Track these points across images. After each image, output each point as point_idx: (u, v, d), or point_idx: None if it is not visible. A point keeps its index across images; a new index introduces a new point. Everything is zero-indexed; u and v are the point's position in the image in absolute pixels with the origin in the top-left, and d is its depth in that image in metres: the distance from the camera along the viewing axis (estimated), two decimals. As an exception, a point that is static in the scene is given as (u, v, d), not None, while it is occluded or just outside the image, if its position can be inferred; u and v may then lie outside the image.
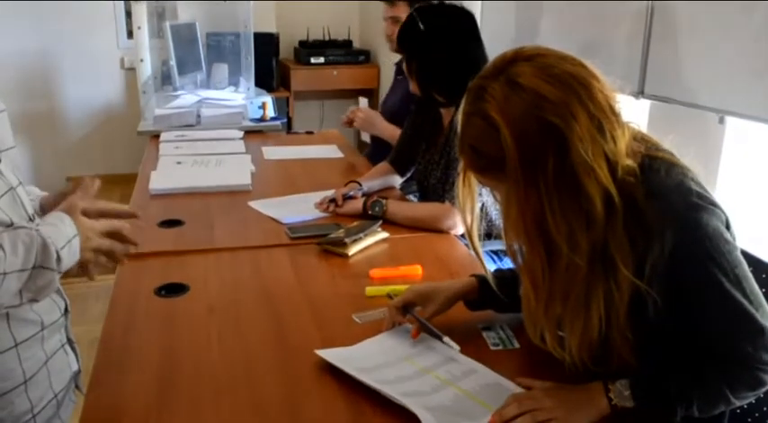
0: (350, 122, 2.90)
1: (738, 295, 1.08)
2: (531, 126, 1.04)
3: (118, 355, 1.35)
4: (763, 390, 1.12)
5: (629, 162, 1.08)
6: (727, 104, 2.05)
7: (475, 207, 1.25)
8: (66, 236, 1.14)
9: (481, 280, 1.44)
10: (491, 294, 1.39)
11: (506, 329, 1.44)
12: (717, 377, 1.11)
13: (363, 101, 2.96)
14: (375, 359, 1.30)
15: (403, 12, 2.80)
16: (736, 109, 2.03)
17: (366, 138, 3.14)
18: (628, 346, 1.13)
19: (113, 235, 1.27)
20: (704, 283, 1.09)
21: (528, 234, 1.09)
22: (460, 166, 1.21)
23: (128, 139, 4.69)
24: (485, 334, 1.43)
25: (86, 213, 1.23)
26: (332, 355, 1.30)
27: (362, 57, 5.32)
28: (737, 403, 1.12)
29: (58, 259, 1.11)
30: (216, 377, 1.27)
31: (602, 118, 1.05)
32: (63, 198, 1.38)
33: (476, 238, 1.28)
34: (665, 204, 1.08)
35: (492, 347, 1.38)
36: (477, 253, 1.29)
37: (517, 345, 1.39)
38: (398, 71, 3.04)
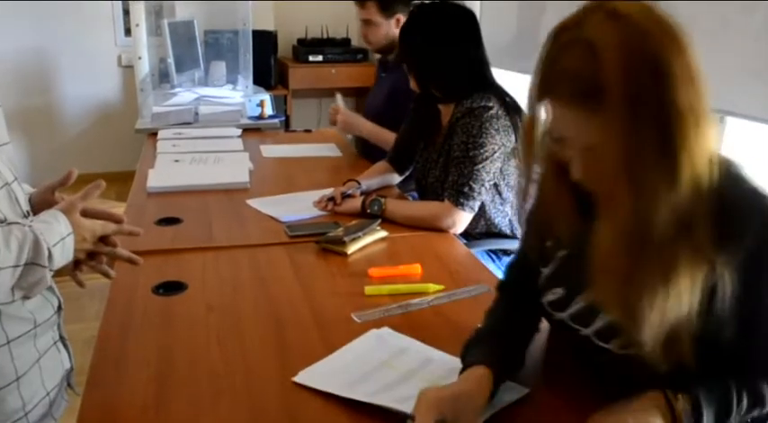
0: (334, 122, 2.89)
1: None
2: (637, 60, 0.95)
3: (115, 354, 1.34)
4: None
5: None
6: (727, 104, 2.04)
7: (533, 165, 1.14)
8: (59, 234, 1.13)
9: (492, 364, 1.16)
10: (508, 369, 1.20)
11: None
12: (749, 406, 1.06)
13: (339, 97, 2.93)
14: (354, 372, 1.27)
15: (373, 14, 2.82)
16: (736, 109, 2.03)
17: (348, 137, 3.12)
18: (688, 341, 1.04)
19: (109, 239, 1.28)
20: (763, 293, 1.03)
21: (618, 176, 0.99)
22: (525, 118, 1.11)
23: (125, 136, 4.68)
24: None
25: (86, 214, 1.22)
26: (311, 377, 1.25)
27: (361, 55, 5.31)
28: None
29: (50, 257, 1.10)
30: (214, 377, 1.26)
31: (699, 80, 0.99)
32: (50, 191, 1.37)
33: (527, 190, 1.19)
34: (750, 204, 1.03)
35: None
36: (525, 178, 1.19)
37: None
38: (382, 69, 3.04)
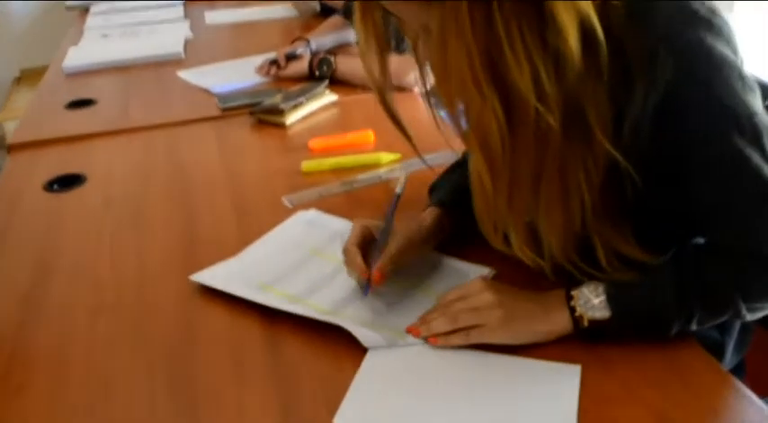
0: None
1: (756, 156, 0.73)
2: None
3: (-18, 271, 1.07)
4: None
5: None
6: None
7: (385, 51, 0.86)
8: None
9: (446, 205, 1.02)
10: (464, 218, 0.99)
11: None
12: (725, 277, 0.78)
13: None
14: (274, 264, 0.99)
15: None
16: None
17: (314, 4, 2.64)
18: (617, 236, 0.80)
19: None
20: (707, 138, 0.74)
21: (475, 81, 0.70)
22: None
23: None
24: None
25: None
26: (214, 277, 0.96)
27: None
28: (748, 317, 0.79)
29: None
30: (98, 291, 0.99)
31: None
32: None
33: (390, 96, 0.94)
34: (650, 23, 0.72)
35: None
36: (394, 119, 0.96)
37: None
38: None
